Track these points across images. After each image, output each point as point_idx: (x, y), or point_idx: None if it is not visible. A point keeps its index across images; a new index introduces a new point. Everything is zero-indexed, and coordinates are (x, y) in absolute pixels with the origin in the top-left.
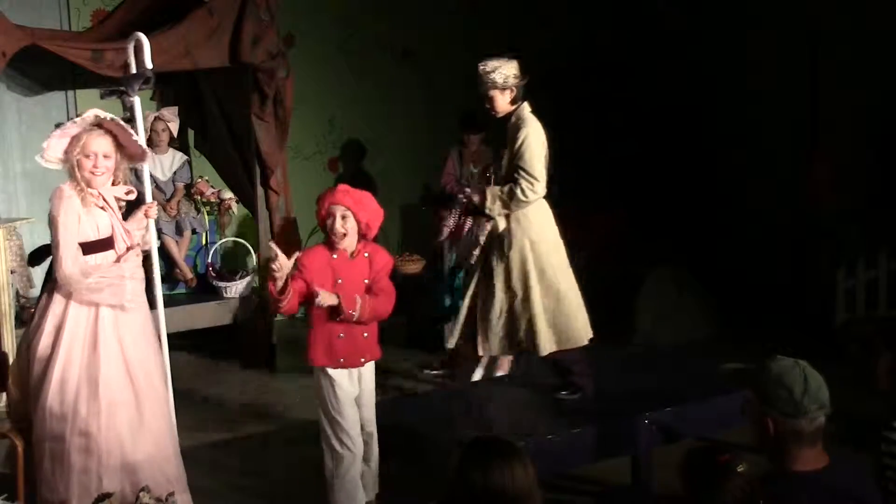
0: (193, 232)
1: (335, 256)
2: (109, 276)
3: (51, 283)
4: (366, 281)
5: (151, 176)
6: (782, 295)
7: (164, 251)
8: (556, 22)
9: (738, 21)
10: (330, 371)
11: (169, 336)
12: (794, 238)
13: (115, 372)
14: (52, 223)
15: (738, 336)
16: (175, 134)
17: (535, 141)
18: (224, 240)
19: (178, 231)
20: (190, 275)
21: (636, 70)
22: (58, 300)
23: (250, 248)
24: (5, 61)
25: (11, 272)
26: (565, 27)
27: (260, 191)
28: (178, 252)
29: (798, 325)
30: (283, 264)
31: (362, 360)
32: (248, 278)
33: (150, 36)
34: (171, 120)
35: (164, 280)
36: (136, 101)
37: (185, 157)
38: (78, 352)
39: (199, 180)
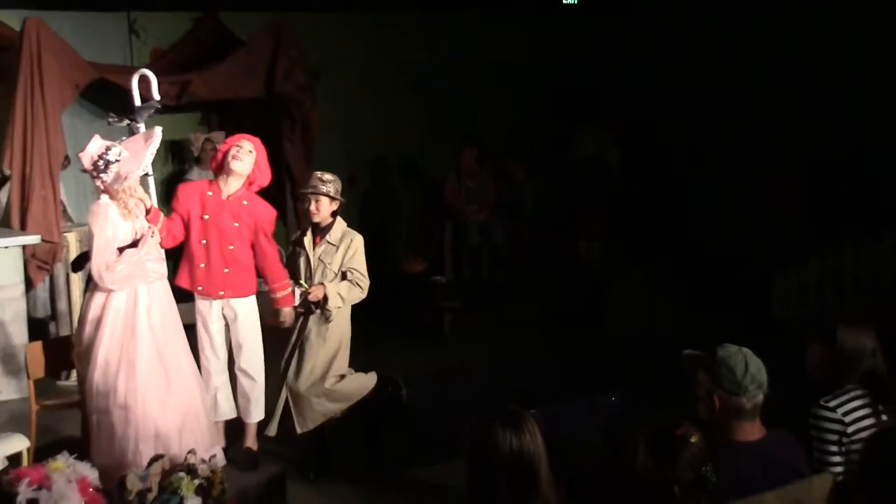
0: None
1: (210, 193)
2: (130, 262)
3: (91, 282)
4: (236, 224)
5: None
6: (738, 294)
7: None
8: (547, 53)
9: (709, 51)
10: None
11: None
12: (747, 246)
13: (149, 356)
14: (90, 233)
15: (701, 329)
16: None
17: (363, 249)
18: None
19: None
20: None
21: (624, 90)
22: (97, 296)
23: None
24: (78, 91)
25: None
26: (556, 59)
27: (289, 202)
28: None
29: (752, 320)
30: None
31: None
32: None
33: (199, 71)
34: (220, 142)
35: None
36: (142, 127)
37: None
38: (118, 338)
39: None
